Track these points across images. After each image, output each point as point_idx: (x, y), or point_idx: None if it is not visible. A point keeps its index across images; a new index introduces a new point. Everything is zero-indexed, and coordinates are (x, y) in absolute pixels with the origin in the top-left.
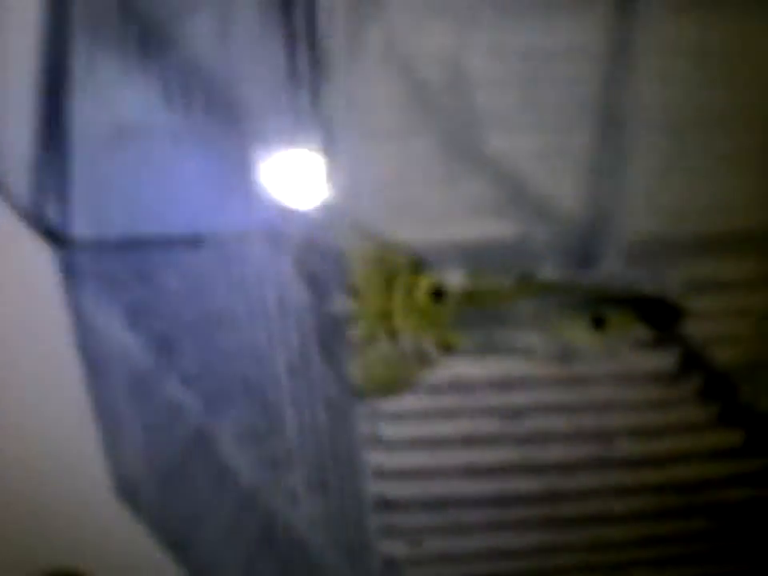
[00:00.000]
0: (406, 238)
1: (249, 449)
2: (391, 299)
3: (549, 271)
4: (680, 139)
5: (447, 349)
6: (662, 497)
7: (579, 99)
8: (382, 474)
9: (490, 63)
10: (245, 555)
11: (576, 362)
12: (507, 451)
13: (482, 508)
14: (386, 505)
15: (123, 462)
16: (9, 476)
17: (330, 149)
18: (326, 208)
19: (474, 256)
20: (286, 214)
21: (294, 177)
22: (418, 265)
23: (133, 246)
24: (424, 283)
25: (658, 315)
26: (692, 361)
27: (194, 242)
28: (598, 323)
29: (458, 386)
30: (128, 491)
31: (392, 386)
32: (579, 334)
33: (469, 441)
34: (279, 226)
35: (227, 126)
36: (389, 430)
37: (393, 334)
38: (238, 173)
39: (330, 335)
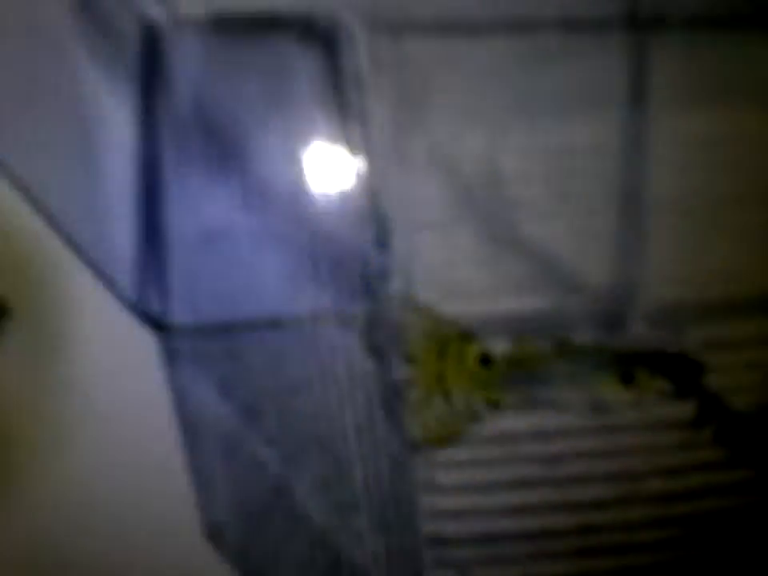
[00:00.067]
0: (455, 312)
1: (321, 496)
2: (444, 365)
3: (582, 336)
4: (693, 218)
5: (494, 406)
6: (683, 527)
7: (601, 188)
8: (435, 514)
9: (521, 161)
10: None
11: (607, 413)
12: (546, 492)
13: (523, 541)
14: (439, 541)
15: (212, 509)
16: (114, 525)
17: (387, 240)
18: (387, 290)
19: (516, 325)
20: (353, 297)
21: (358, 265)
22: (467, 335)
23: (223, 329)
24: (473, 351)
25: (679, 371)
26: (709, 409)
27: (275, 324)
28: (627, 379)
29: (504, 438)
30: (216, 534)
31: (445, 440)
32: (610, 389)
33: (512, 484)
34: (347, 307)
35: (298, 224)
36: (442, 477)
37: (446, 395)
38: (310, 264)
39: (391, 397)
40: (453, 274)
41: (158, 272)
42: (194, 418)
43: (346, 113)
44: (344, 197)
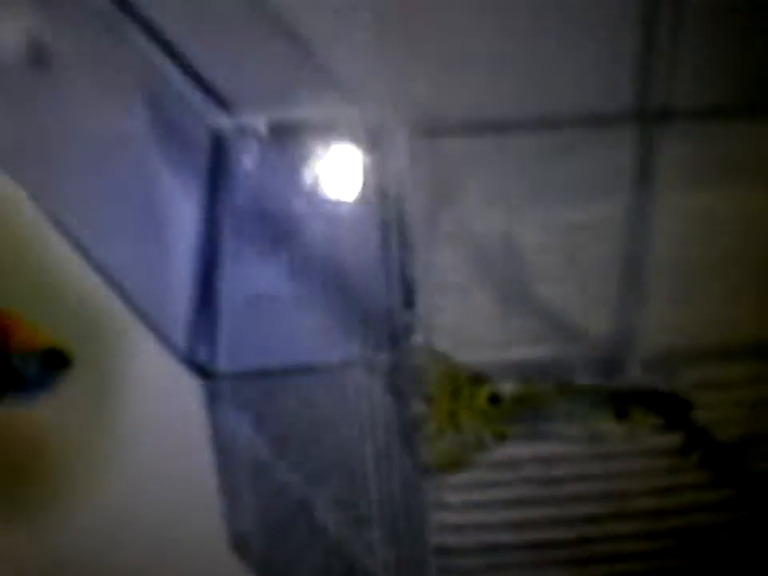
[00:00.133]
0: (470, 359)
1: (338, 512)
2: (457, 404)
3: (582, 378)
4: (688, 278)
5: (501, 438)
6: (670, 540)
7: (606, 254)
8: (443, 528)
9: (535, 235)
10: None
11: (603, 443)
12: (546, 509)
13: (523, 552)
14: (446, 551)
15: (238, 522)
16: (150, 538)
17: (413, 300)
18: (410, 340)
19: (523, 370)
20: (379, 347)
21: (386, 321)
22: (478, 378)
23: (261, 375)
24: (483, 391)
25: (669, 408)
26: (695, 439)
27: (308, 370)
28: (621, 415)
29: (509, 463)
30: (241, 545)
31: (455, 467)
32: (606, 423)
33: (514, 503)
34: (373, 356)
35: (335, 288)
36: (450, 496)
37: (458, 429)
38: (342, 319)
39: (408, 430)
40: (469, 329)
41: (209, 330)
42: (228, 446)
43: (384, 201)
44: (377, 264)
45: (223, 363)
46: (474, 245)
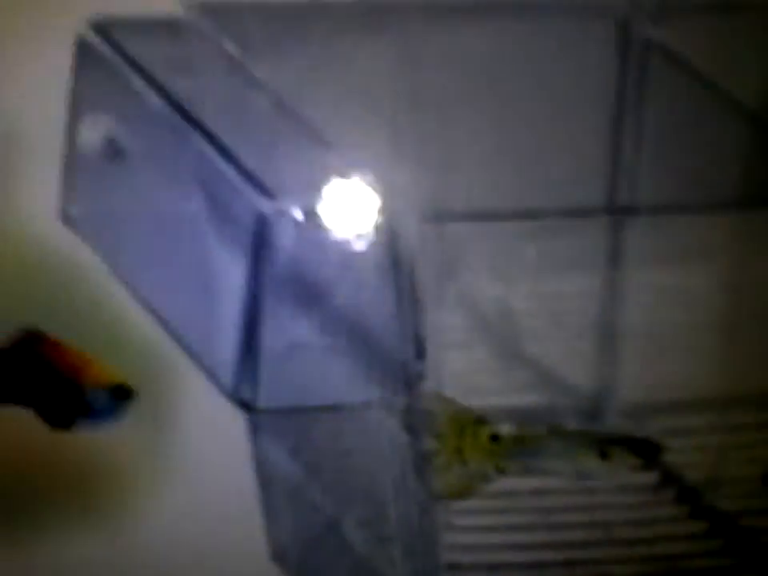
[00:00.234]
0: (473, 404)
1: (364, 531)
2: (463, 441)
3: (570, 423)
4: (656, 340)
5: (501, 472)
6: (647, 565)
7: (585, 320)
8: (453, 547)
9: (526, 302)
10: None
11: (588, 479)
12: (540, 535)
13: (521, 570)
14: (455, 567)
15: (277, 537)
16: (197, 554)
17: (423, 354)
18: (421, 387)
19: (519, 414)
20: (395, 391)
21: (401, 370)
22: (480, 419)
23: (296, 411)
24: (485, 431)
25: (644, 450)
26: (668, 478)
27: (336, 408)
28: (604, 455)
29: (508, 494)
30: (279, 556)
31: (462, 495)
32: (590, 463)
33: (514, 527)
34: (391, 398)
35: (359, 341)
36: (459, 520)
37: (463, 463)
38: (365, 368)
39: (421, 463)
40: (471, 378)
41: (252, 372)
42: (267, 471)
43: (399, 272)
44: (394, 322)
45: (264, 400)
46: (474, 309)
